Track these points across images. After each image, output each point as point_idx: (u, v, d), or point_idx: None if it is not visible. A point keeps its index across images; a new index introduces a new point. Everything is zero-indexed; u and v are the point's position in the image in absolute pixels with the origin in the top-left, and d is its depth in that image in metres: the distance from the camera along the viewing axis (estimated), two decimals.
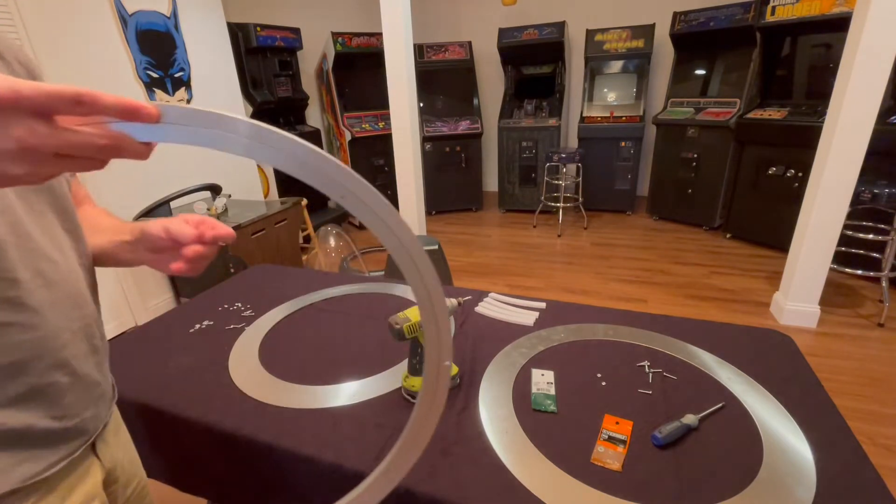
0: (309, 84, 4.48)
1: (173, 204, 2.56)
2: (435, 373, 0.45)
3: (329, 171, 0.34)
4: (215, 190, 2.75)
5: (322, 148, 4.42)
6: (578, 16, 4.52)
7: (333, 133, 4.42)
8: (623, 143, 4.22)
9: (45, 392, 0.50)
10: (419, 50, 4.51)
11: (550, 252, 3.67)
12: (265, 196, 3.81)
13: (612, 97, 4.44)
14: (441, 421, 0.83)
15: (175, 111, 0.31)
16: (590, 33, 4.29)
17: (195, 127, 0.31)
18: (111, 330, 2.57)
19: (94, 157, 0.32)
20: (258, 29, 3.62)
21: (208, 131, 0.31)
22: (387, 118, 3.69)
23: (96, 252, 0.61)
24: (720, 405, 0.83)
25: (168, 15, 2.74)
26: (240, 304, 1.33)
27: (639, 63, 4.29)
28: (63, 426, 0.52)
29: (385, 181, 4.32)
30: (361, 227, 4.46)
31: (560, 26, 4.26)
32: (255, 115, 3.76)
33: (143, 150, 0.32)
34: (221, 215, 2.56)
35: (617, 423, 0.81)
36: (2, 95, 0.27)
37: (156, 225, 0.57)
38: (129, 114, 0.30)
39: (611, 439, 0.77)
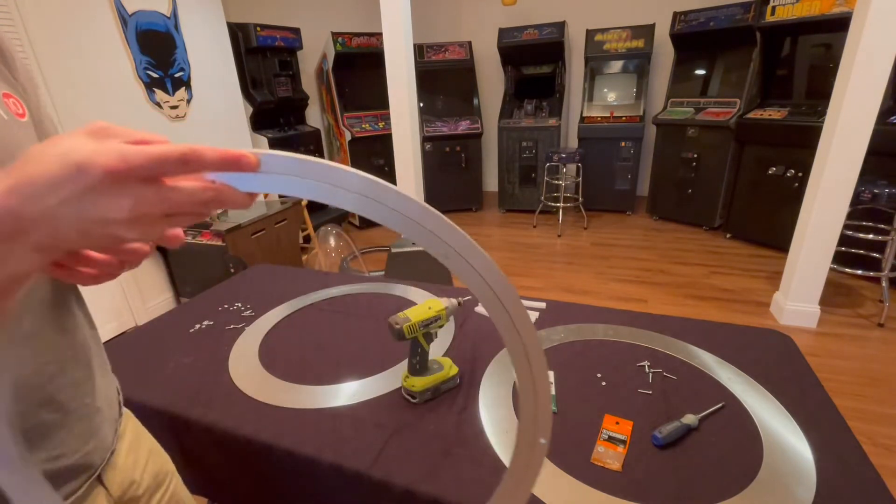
0: (309, 84, 4.48)
1: None
2: (528, 452, 0.40)
3: (445, 234, 0.32)
4: None
5: (322, 148, 4.42)
6: (578, 16, 4.52)
7: (333, 133, 4.42)
8: (623, 143, 4.22)
9: (31, 435, 0.45)
10: (419, 50, 4.51)
11: (550, 252, 3.67)
12: (265, 196, 3.81)
13: (612, 97, 4.44)
14: (441, 421, 0.83)
15: (276, 160, 0.30)
16: (590, 33, 4.29)
17: (299, 178, 0.30)
18: (111, 330, 2.57)
19: (199, 212, 0.32)
20: (258, 29, 3.61)
21: (314, 183, 0.30)
22: (387, 118, 3.69)
23: None
24: (720, 405, 0.83)
25: (168, 15, 2.74)
26: (240, 304, 1.33)
27: (639, 63, 4.29)
28: (63, 465, 0.48)
29: (385, 181, 4.31)
30: (361, 227, 4.46)
31: (560, 26, 4.26)
32: (255, 115, 3.76)
33: (245, 200, 0.32)
34: (221, 215, 2.56)
35: (617, 423, 0.81)
36: (114, 167, 0.27)
37: None
38: (231, 165, 0.30)
39: (611, 439, 0.77)
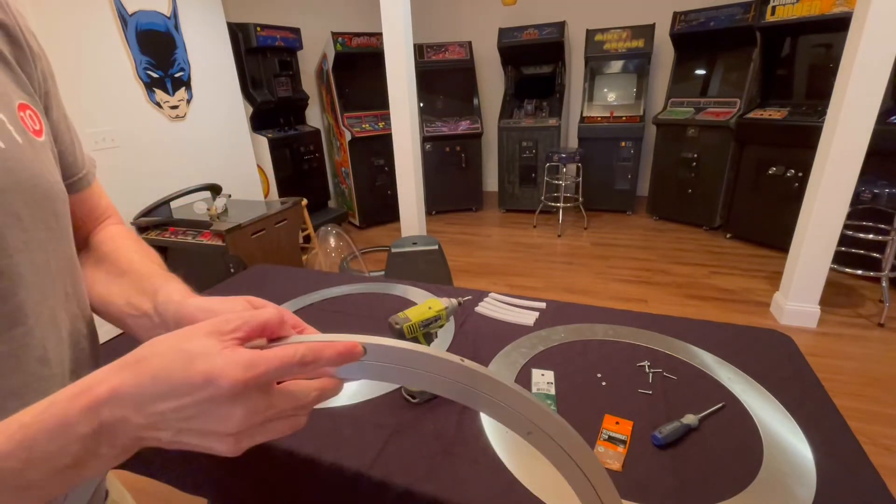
0: (309, 84, 4.48)
1: (173, 204, 2.56)
2: None
3: (546, 424, 0.34)
4: (215, 190, 2.75)
5: (322, 148, 4.42)
6: (578, 16, 4.52)
7: (333, 133, 4.42)
8: (623, 143, 4.22)
9: None
10: (419, 50, 4.51)
11: (550, 252, 3.67)
12: (265, 196, 3.81)
13: (612, 97, 4.44)
14: (441, 421, 0.83)
15: (380, 349, 0.29)
16: (590, 33, 4.29)
17: (399, 365, 0.30)
18: (111, 330, 2.56)
19: (298, 416, 0.30)
20: (258, 29, 3.62)
21: (413, 371, 0.30)
22: (387, 118, 3.69)
23: (102, 306, 0.48)
24: (720, 405, 0.83)
25: (168, 15, 2.74)
26: None
27: (639, 63, 4.29)
28: None
29: (385, 181, 4.32)
30: (361, 227, 4.47)
31: (560, 26, 4.26)
32: (255, 115, 3.76)
33: (339, 390, 0.32)
34: (221, 215, 2.56)
35: (617, 423, 0.81)
36: (241, 380, 0.25)
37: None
38: (346, 358, 0.29)
39: (611, 439, 0.77)
